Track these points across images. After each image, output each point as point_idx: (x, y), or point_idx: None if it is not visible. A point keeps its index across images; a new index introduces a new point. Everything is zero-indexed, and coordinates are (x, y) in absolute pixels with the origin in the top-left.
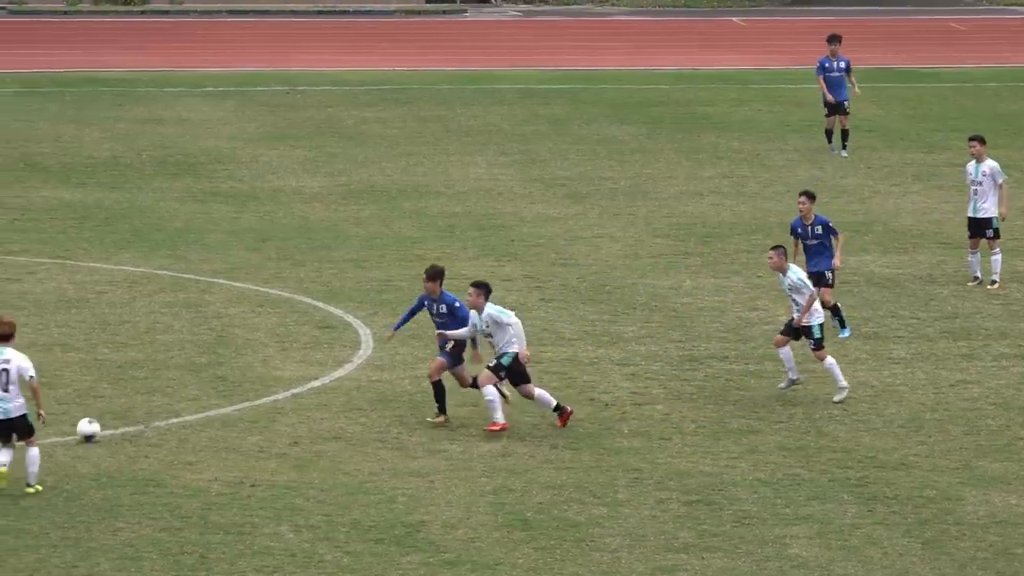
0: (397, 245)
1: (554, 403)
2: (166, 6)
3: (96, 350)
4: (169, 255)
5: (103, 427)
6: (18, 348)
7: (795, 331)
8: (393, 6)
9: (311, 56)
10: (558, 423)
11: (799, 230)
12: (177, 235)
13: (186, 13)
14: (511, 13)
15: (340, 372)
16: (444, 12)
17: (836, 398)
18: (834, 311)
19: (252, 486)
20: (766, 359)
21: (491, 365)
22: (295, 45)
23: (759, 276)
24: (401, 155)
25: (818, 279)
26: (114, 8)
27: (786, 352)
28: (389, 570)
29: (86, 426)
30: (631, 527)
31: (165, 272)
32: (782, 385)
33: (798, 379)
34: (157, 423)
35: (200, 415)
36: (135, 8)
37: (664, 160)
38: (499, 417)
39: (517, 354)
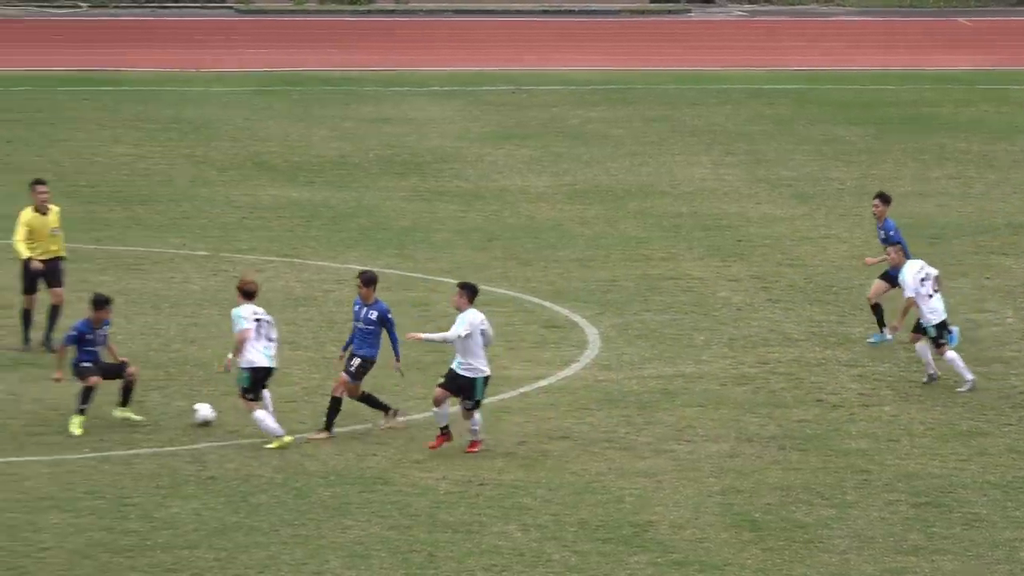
0: (622, 245)
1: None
2: (392, 5)
3: (324, 348)
4: (396, 254)
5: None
6: None
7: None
8: (618, 6)
9: (537, 56)
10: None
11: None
12: (404, 234)
13: (412, 13)
14: (736, 13)
15: (567, 371)
16: (669, 12)
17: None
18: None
19: (480, 485)
20: (994, 361)
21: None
22: (521, 45)
23: (987, 278)
24: (626, 155)
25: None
26: (340, 8)
27: (921, 348)
28: (617, 570)
29: (207, 411)
30: (859, 529)
31: (392, 271)
32: (924, 380)
33: (936, 375)
34: (385, 421)
35: (427, 414)
36: (361, 8)
37: (891, 161)
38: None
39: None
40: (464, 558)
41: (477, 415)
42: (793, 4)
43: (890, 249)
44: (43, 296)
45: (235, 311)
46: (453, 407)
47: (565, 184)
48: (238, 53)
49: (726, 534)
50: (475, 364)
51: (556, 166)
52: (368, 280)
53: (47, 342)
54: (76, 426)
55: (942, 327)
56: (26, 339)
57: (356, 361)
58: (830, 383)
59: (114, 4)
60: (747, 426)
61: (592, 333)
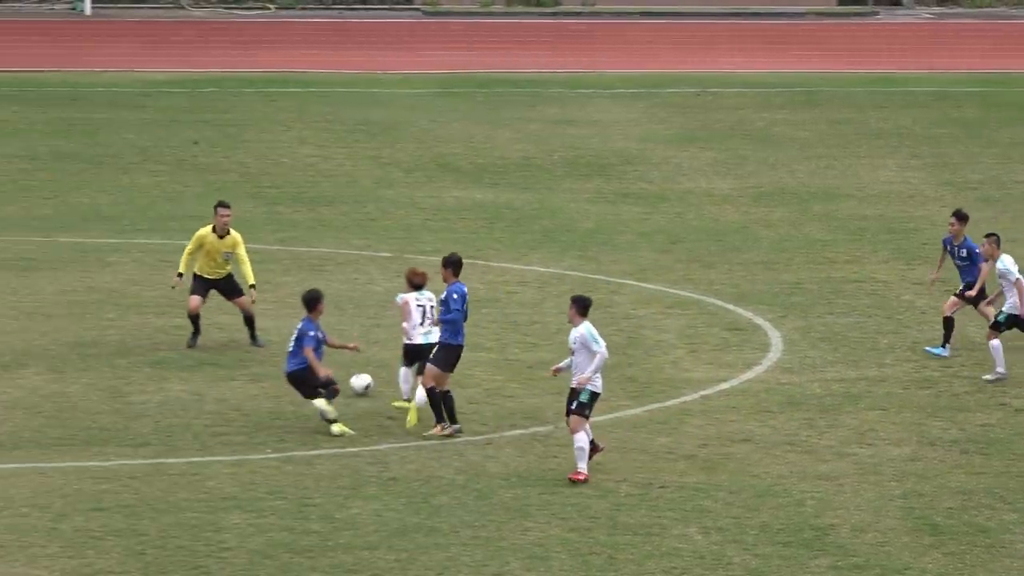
0: (807, 248)
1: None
2: (578, 8)
3: (507, 350)
4: (579, 256)
5: (512, 426)
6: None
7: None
8: (804, 8)
9: (722, 58)
10: None
11: (947, 247)
12: (587, 236)
13: (598, 15)
14: (923, 15)
15: (749, 374)
16: (856, 14)
17: (986, 376)
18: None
19: (661, 487)
20: None
21: (575, 407)
22: (706, 47)
23: None
24: (811, 157)
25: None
26: (526, 10)
27: (996, 346)
28: (798, 573)
29: (360, 380)
30: None
31: (575, 273)
32: (988, 377)
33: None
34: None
35: (609, 416)
36: (547, 9)
37: None
38: (583, 467)
39: (597, 393)
40: (644, 560)
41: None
42: (981, 6)
43: (985, 242)
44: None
45: (399, 295)
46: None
47: (750, 187)
48: (424, 55)
49: (907, 538)
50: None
51: (741, 168)
52: (445, 263)
53: (254, 341)
54: (341, 427)
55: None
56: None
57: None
58: (1013, 387)
59: (301, 6)
60: (929, 430)
61: (775, 336)
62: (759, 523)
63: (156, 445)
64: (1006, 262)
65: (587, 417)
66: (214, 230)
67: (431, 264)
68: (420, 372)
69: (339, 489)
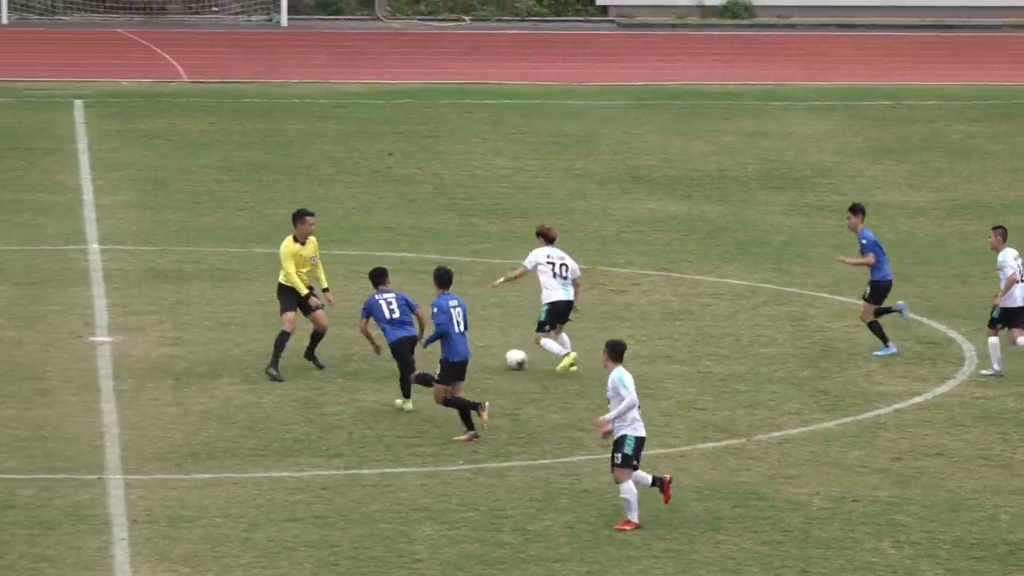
0: None
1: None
2: (773, 19)
3: (699, 362)
4: (773, 268)
5: (705, 439)
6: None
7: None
8: (1000, 20)
9: (917, 70)
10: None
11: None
12: (781, 248)
13: (793, 27)
14: None
15: (943, 388)
16: None
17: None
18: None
19: (854, 501)
20: None
21: (620, 461)
22: (901, 59)
23: None
24: (1007, 171)
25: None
26: (721, 22)
27: (994, 343)
28: None
29: (516, 354)
30: None
31: (768, 285)
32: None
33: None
34: (759, 436)
35: (802, 429)
36: (742, 22)
37: None
38: (633, 517)
39: (642, 438)
40: (836, 574)
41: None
42: None
43: (991, 234)
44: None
45: (531, 254)
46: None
47: (945, 199)
48: (618, 67)
49: None
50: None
51: (936, 181)
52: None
53: (313, 360)
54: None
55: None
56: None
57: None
58: None
59: (496, 17)
60: None
61: (969, 350)
62: (952, 538)
63: (349, 456)
64: (1007, 255)
65: (634, 467)
66: (295, 239)
67: (624, 275)
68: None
69: (531, 501)
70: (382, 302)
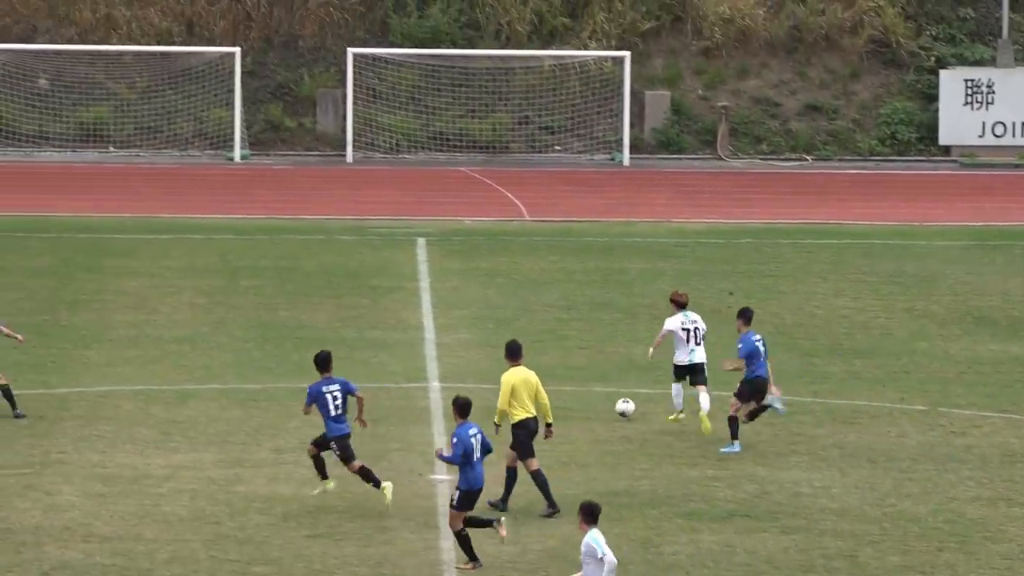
0: None
1: None
2: None
3: None
4: None
5: None
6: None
7: None
8: None
9: None
10: None
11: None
12: None
13: None
14: None
15: None
16: None
17: None
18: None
19: None
20: None
21: None
22: None
23: None
24: None
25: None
26: None
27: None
28: None
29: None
30: None
31: None
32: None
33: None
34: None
35: None
36: None
37: None
38: None
39: None
40: None
41: None
42: None
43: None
44: None
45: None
46: None
47: None
48: (960, 206)
49: None
50: None
51: None
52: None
53: (550, 505)
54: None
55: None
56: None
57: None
58: None
59: (839, 157)
60: None
61: None
62: None
63: None
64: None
65: None
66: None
67: (964, 417)
68: (693, 384)
69: None
70: (328, 396)
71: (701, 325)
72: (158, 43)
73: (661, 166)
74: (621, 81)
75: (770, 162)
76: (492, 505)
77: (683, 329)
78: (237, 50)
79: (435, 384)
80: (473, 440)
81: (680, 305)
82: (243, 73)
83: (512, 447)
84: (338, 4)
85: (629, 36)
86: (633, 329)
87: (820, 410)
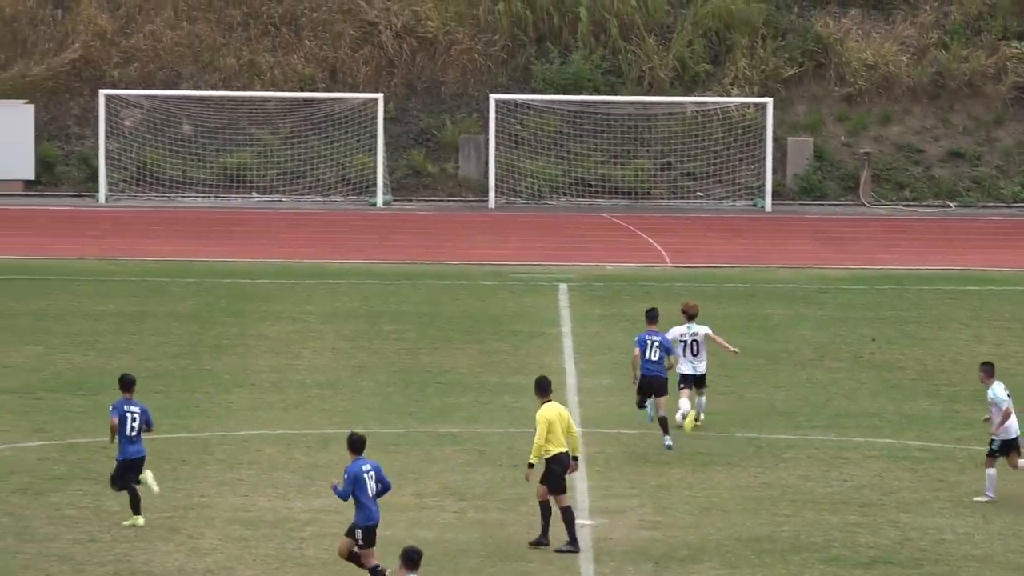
0: None
1: None
2: None
3: None
4: None
5: None
6: None
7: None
8: None
9: None
10: None
11: None
12: None
13: None
14: None
15: None
16: None
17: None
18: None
19: None
20: None
21: None
22: None
23: None
24: None
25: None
26: None
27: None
28: None
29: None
30: None
31: None
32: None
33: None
34: None
35: None
36: None
37: None
38: None
39: None
40: None
41: None
42: None
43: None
44: None
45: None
46: None
47: None
48: None
49: None
50: None
51: None
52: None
53: (571, 542)
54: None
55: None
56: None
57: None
58: None
59: (981, 203)
60: None
61: None
62: None
63: None
64: (997, 390)
65: None
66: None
67: None
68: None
69: None
70: (128, 414)
71: (701, 337)
72: (301, 89)
73: (803, 212)
74: (763, 127)
75: (912, 208)
76: (534, 544)
77: (681, 340)
78: (380, 96)
79: (577, 429)
80: (366, 476)
81: (690, 316)
82: (386, 119)
83: (543, 481)
84: (481, 51)
85: (771, 82)
86: (774, 375)
87: (963, 457)
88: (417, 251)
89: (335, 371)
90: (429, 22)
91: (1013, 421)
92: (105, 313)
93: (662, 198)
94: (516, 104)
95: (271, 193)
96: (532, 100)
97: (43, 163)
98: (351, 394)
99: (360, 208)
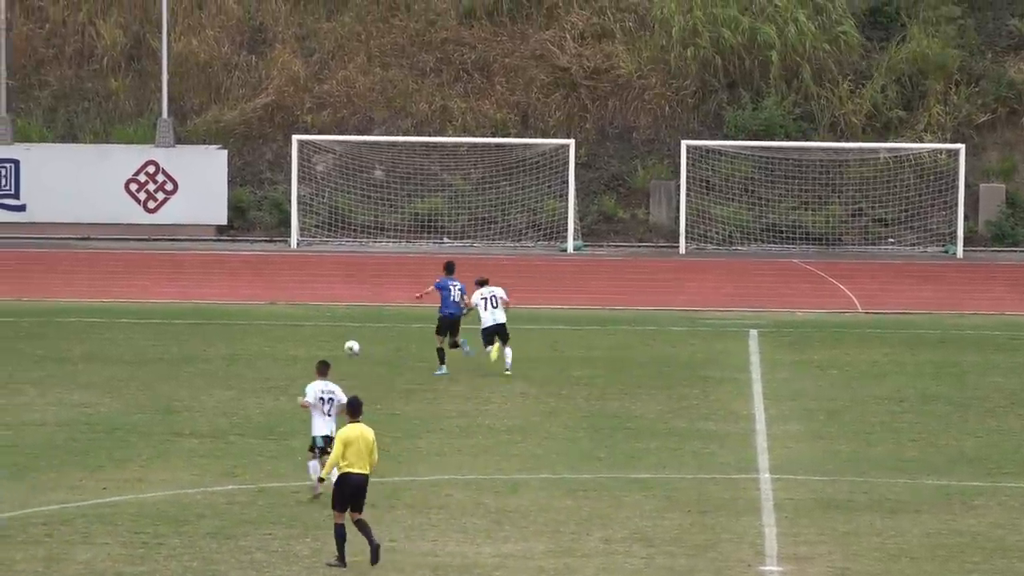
0: None
1: None
2: None
3: None
4: None
5: None
6: None
7: None
8: None
9: None
10: None
11: None
12: None
13: None
14: None
15: None
16: None
17: None
18: None
19: None
20: None
21: None
22: None
23: None
24: None
25: None
26: None
27: None
28: None
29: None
30: None
31: None
32: None
33: None
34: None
35: None
36: None
37: None
38: None
39: None
40: None
41: None
42: None
43: None
44: None
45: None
46: None
47: None
48: None
49: None
50: None
51: None
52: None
53: None
54: None
55: None
56: None
57: None
58: None
59: None
60: None
61: None
62: None
63: None
64: None
65: None
66: None
67: None
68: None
69: None
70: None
71: (499, 293)
72: (493, 135)
73: (995, 259)
74: (956, 173)
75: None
76: (331, 565)
77: (482, 298)
78: (572, 142)
79: (765, 476)
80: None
81: (481, 284)
82: (577, 164)
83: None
84: (672, 96)
85: (964, 128)
86: (965, 422)
87: None
88: (607, 296)
89: (524, 416)
90: (621, 67)
91: None
92: (297, 358)
93: (853, 244)
94: (708, 150)
95: (462, 238)
96: (724, 146)
97: (236, 208)
98: (540, 439)
99: (551, 253)
